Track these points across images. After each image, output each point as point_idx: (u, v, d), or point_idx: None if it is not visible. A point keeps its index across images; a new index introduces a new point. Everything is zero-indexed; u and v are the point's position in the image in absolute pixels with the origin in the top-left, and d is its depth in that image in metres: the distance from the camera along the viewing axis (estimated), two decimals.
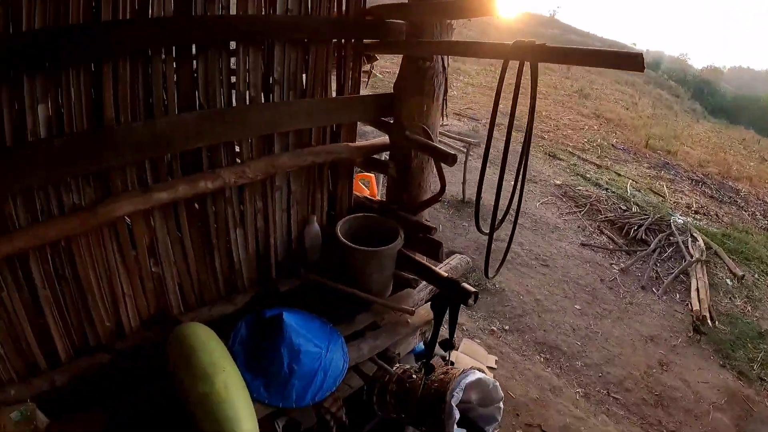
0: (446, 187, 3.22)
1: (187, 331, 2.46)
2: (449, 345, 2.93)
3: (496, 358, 4.56)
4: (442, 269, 3.29)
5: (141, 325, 2.76)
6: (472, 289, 2.82)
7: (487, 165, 2.57)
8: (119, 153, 2.30)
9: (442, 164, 3.07)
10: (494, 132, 2.52)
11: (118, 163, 2.33)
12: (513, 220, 2.86)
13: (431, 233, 3.20)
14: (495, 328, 5.11)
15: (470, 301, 2.82)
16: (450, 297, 2.83)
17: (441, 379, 2.92)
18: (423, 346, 3.63)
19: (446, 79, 3.16)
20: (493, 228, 2.74)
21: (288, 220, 3.19)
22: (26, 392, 2.35)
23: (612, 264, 6.56)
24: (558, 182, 8.39)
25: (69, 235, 2.32)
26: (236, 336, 2.69)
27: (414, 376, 2.97)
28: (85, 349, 2.60)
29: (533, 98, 2.37)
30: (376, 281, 3.12)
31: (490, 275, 2.98)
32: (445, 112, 3.33)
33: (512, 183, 2.58)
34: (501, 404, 3.13)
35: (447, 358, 3.23)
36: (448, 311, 2.80)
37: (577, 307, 5.74)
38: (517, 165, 2.63)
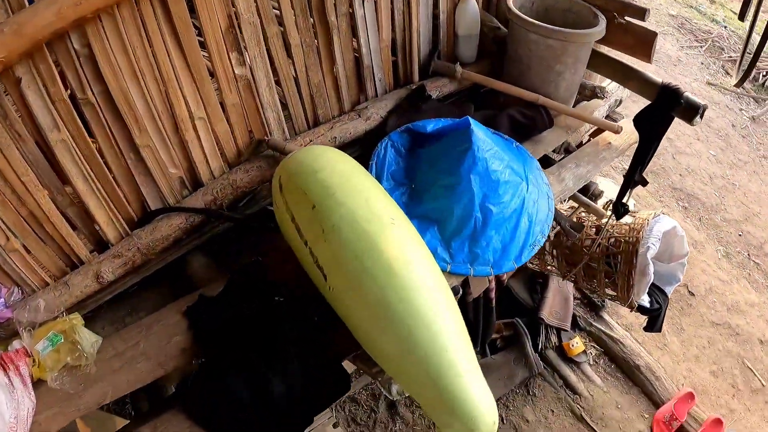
0: None
1: (308, 158, 1.37)
2: (622, 208, 1.95)
3: (634, 201, 3.74)
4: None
5: (229, 167, 1.76)
6: (701, 102, 1.69)
7: None
8: None
9: None
10: None
11: None
12: None
13: (644, 16, 1.96)
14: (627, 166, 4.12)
15: (697, 118, 1.72)
16: (666, 111, 1.71)
17: (627, 226, 2.19)
18: None
19: None
20: None
21: None
22: None
23: (741, 110, 5.34)
24: (673, 12, 6.98)
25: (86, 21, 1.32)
26: (381, 163, 1.60)
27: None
28: (141, 218, 1.68)
29: None
30: (565, 84, 1.98)
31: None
32: None
33: None
34: (685, 260, 2.40)
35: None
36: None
37: (712, 153, 4.72)
38: None
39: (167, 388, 2.03)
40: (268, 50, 1.68)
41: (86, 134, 1.48)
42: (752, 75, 5.50)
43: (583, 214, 2.33)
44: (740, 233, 4.03)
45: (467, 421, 1.07)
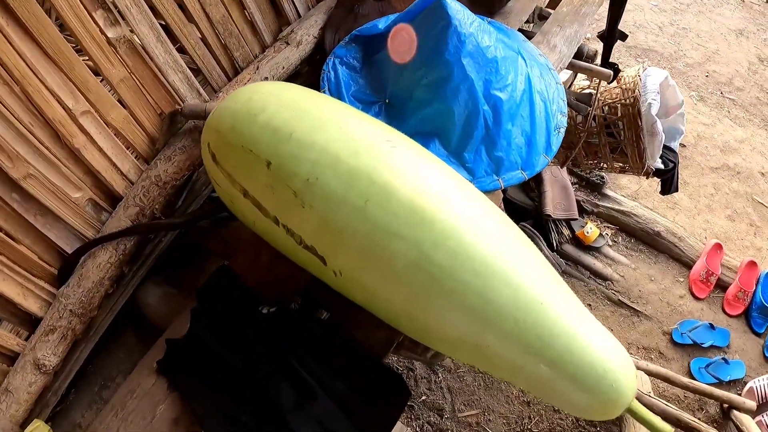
0: None
1: (238, 104, 0.89)
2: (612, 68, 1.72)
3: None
4: None
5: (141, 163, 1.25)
6: None
7: None
8: None
9: None
10: None
11: None
12: None
13: None
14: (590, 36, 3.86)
15: None
16: None
17: (618, 89, 1.92)
18: None
19: None
20: None
21: None
22: None
23: None
24: None
25: None
26: (335, 87, 1.14)
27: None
28: (61, 271, 1.17)
29: None
30: None
31: None
32: None
33: None
34: (683, 109, 2.09)
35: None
36: None
37: (653, 3, 4.36)
38: None
39: None
40: None
41: None
42: None
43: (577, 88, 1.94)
44: (707, 74, 3.79)
45: (604, 392, 0.68)
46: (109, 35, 1.12)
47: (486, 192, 1.04)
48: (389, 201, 0.69)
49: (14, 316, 1.12)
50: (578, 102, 1.46)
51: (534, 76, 1.13)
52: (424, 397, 2.36)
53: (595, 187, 2.75)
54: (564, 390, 0.70)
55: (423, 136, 1.03)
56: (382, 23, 1.18)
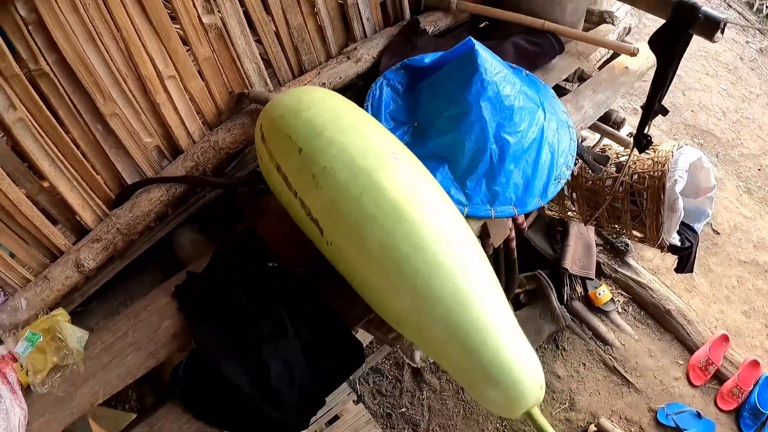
0: None
1: (292, 99, 1.15)
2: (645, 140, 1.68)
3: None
4: None
5: (209, 129, 1.53)
6: (720, 16, 1.44)
7: None
8: None
9: None
10: None
11: None
12: None
13: None
14: (637, 106, 3.87)
15: (718, 34, 1.47)
16: (683, 29, 1.46)
17: (650, 160, 1.92)
18: None
19: None
20: None
21: None
22: None
23: (748, 42, 4.97)
24: None
25: None
26: (377, 104, 1.37)
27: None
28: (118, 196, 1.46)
29: None
30: (571, 7, 1.74)
31: None
32: None
33: None
34: (713, 193, 2.15)
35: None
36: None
37: (723, 87, 4.40)
38: None
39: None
40: None
41: (46, 109, 1.26)
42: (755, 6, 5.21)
43: (605, 145, 2.10)
44: (759, 168, 3.78)
45: (508, 387, 0.86)
46: (204, 20, 1.40)
47: (478, 218, 1.25)
48: (378, 196, 0.91)
49: (69, 222, 1.41)
50: (595, 161, 1.64)
51: (549, 128, 1.32)
52: (404, 410, 2.54)
53: (618, 253, 2.87)
54: (478, 380, 0.88)
55: (437, 159, 1.24)
56: (428, 58, 1.40)
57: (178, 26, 1.39)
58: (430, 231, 0.90)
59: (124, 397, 2.30)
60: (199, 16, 1.38)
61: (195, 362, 1.17)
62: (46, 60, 1.21)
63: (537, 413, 0.91)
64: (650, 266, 2.92)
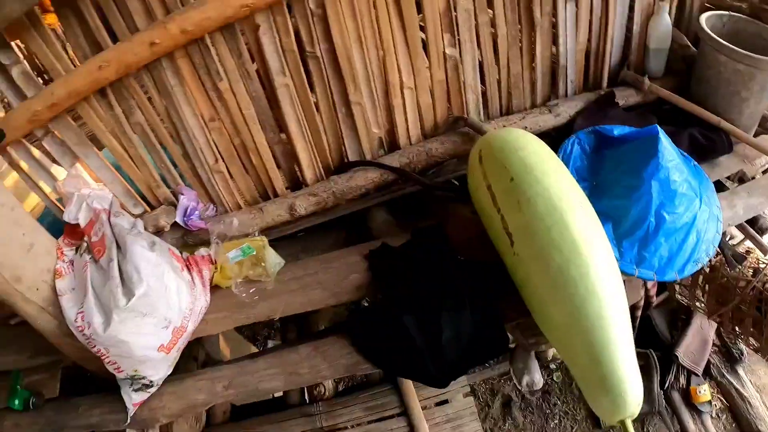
0: None
1: (511, 137, 1.67)
2: None
3: None
4: None
5: (424, 137, 2.09)
6: None
7: None
8: None
9: None
10: None
11: None
12: None
13: None
14: None
15: None
16: None
17: None
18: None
19: None
20: None
21: (630, 5, 2.19)
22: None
23: None
24: None
25: None
26: (567, 158, 1.87)
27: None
28: (338, 167, 2.04)
29: None
30: (748, 112, 2.10)
31: None
32: None
33: None
34: None
35: None
36: None
37: None
38: None
39: (319, 324, 2.43)
40: (477, 37, 1.95)
41: (307, 84, 1.84)
42: None
43: (749, 248, 2.44)
44: None
45: (616, 397, 1.27)
46: (447, 52, 1.92)
47: (624, 273, 1.70)
48: (564, 231, 1.35)
49: (290, 173, 2.00)
50: (733, 258, 2.03)
51: (701, 217, 1.71)
52: None
53: (731, 359, 3.03)
54: (594, 384, 1.31)
55: (605, 216, 1.66)
56: (617, 131, 1.84)
57: (426, 48, 1.93)
58: (595, 267, 1.33)
59: (269, 329, 2.94)
60: (444, 48, 1.91)
61: (373, 311, 1.72)
62: (319, 47, 1.79)
63: (629, 424, 1.30)
64: (758, 383, 3.07)
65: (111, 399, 1.99)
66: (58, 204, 1.85)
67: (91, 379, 2.27)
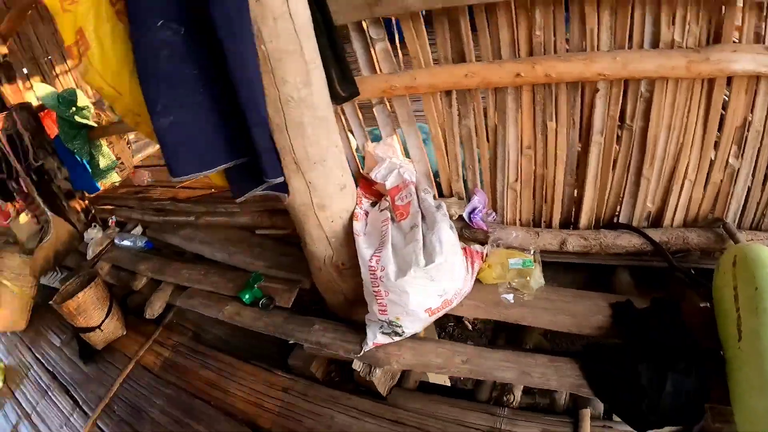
0: None
1: (762, 255, 2.10)
2: None
3: None
4: None
5: (683, 224, 2.61)
6: None
7: None
8: None
9: None
10: None
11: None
12: None
13: None
14: None
15: None
16: None
17: None
18: None
19: None
20: None
21: None
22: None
23: None
24: None
25: (659, 77, 2.22)
26: None
27: None
28: (607, 223, 2.61)
29: None
30: None
31: None
32: None
33: None
34: None
35: None
36: None
37: None
38: None
39: (526, 343, 2.97)
40: (758, 155, 2.35)
41: (615, 147, 2.41)
42: None
43: None
44: None
45: None
46: (730, 160, 2.34)
47: None
48: None
49: (566, 213, 2.70)
50: None
51: None
52: None
53: None
54: None
55: None
56: None
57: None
58: None
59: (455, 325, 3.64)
60: (729, 156, 2.33)
61: (609, 350, 2.25)
62: (636, 122, 2.33)
63: None
64: None
65: (344, 330, 2.73)
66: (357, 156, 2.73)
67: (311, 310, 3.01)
